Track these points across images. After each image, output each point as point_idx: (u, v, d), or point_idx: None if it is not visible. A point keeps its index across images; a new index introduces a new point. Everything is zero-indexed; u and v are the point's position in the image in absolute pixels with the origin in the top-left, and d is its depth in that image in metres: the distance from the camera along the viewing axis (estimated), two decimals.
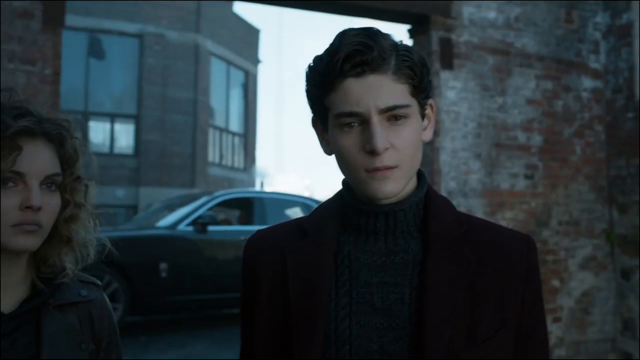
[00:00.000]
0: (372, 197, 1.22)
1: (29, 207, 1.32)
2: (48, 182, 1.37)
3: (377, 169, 1.18)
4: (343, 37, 1.20)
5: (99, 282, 1.58)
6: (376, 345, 1.19)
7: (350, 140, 1.20)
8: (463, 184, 5.95)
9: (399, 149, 1.19)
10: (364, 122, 1.18)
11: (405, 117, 1.19)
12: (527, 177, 6.32)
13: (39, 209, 1.33)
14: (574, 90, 6.65)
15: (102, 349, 1.49)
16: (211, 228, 8.73)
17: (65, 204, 1.43)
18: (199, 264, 8.44)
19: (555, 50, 6.56)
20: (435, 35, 5.91)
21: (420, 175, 1.32)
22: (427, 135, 1.29)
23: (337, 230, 1.29)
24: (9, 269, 1.39)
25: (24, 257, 1.42)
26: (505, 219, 6.09)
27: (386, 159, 1.18)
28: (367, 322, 1.21)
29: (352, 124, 1.20)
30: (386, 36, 1.21)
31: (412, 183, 1.29)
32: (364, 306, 1.22)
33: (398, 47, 1.21)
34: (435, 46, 5.87)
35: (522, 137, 6.31)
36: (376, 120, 1.17)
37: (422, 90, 1.23)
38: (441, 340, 1.16)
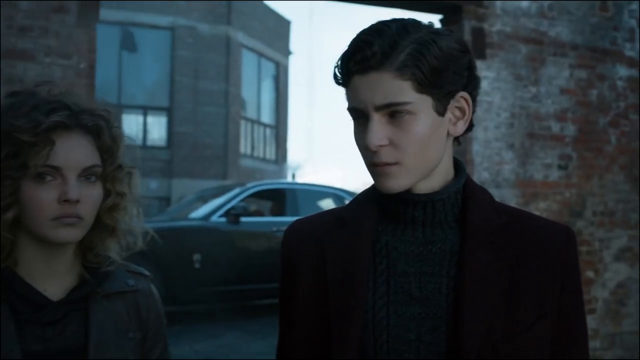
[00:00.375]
0: (380, 190, 1.25)
1: (66, 201, 1.33)
2: (87, 174, 1.38)
3: (376, 165, 1.21)
4: (359, 32, 1.22)
5: (147, 273, 1.60)
6: (414, 334, 1.20)
7: (359, 134, 1.23)
8: (496, 174, 5.91)
9: (399, 146, 1.19)
10: (367, 118, 1.21)
11: (409, 113, 1.18)
12: (561, 167, 6.26)
13: (77, 201, 1.34)
14: (609, 79, 6.55)
15: (149, 338, 1.51)
16: (244, 219, 8.78)
17: (107, 194, 1.43)
18: (231, 255, 8.49)
19: (589, 39, 6.47)
20: (468, 25, 5.86)
21: (459, 165, 1.32)
22: (457, 129, 1.26)
23: (375, 219, 1.30)
24: (55, 258, 1.41)
25: (71, 247, 1.43)
26: (539, 209, 6.03)
27: (384, 156, 1.20)
28: (404, 311, 1.21)
29: (360, 119, 1.22)
30: (409, 28, 1.19)
31: (450, 173, 1.29)
32: (402, 296, 1.22)
33: (418, 40, 1.18)
34: (467, 36, 5.82)
35: (555, 127, 6.24)
36: (374, 117, 1.19)
37: (437, 85, 1.19)
38: (478, 331, 1.16)
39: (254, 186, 9.59)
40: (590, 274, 6.32)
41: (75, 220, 1.35)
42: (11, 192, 1.33)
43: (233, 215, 8.66)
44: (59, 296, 1.41)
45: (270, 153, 21.25)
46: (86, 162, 1.37)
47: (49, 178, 1.34)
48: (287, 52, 22.19)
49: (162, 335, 1.56)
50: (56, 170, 1.34)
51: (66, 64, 4.69)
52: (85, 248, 1.47)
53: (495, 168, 5.92)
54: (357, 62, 1.19)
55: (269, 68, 21.16)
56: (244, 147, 19.35)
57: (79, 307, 1.42)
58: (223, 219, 8.63)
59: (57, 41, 4.66)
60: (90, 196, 1.37)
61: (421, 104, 1.19)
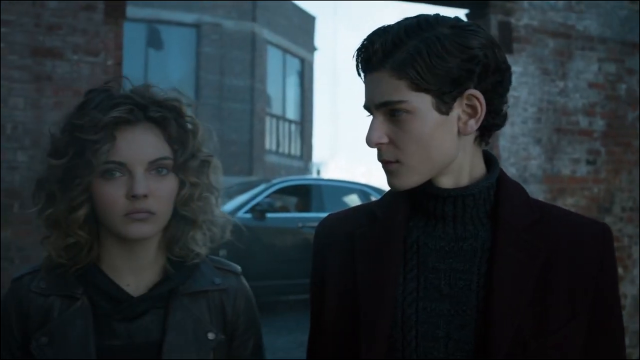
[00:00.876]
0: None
1: (134, 196, 1.32)
2: (156, 167, 1.37)
3: (381, 162, 1.24)
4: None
5: (237, 270, 1.55)
6: (442, 331, 1.19)
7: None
8: (523, 169, 5.86)
9: (398, 145, 1.20)
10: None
11: (406, 112, 1.18)
12: (589, 162, 6.19)
13: (146, 196, 1.33)
14: (638, 73, 6.46)
15: (237, 337, 1.48)
16: (269, 215, 8.80)
17: (182, 185, 1.41)
18: (257, 251, 8.52)
19: (618, 32, 6.39)
20: (494, 19, 5.82)
21: (491, 160, 1.30)
22: (469, 128, 1.22)
23: (406, 215, 1.29)
24: (137, 253, 1.42)
25: (152, 242, 1.43)
26: (566, 205, 5.97)
27: (384, 154, 1.22)
28: (434, 308, 1.21)
29: (370, 116, 1.25)
30: (422, 25, 1.18)
31: (478, 169, 1.27)
32: (431, 292, 1.22)
33: (425, 38, 1.16)
34: (494, 30, 5.77)
35: (583, 121, 6.18)
36: (376, 116, 1.21)
37: (435, 83, 1.16)
38: (508, 329, 1.15)
39: (279, 182, 9.62)
40: (619, 270, 6.25)
41: (145, 216, 1.34)
42: (82, 190, 1.34)
43: (259, 211, 8.69)
44: (141, 292, 1.41)
45: (296, 149, 21.27)
46: (152, 155, 1.36)
47: (117, 174, 1.34)
48: (312, 49, 22.17)
49: (254, 333, 1.53)
50: (122, 166, 1.34)
51: (94, 62, 4.73)
52: (169, 241, 1.46)
53: (522, 163, 5.87)
54: (362, 61, 1.22)
55: (294, 64, 21.17)
56: (269, 143, 19.38)
57: (160, 304, 1.41)
58: (249, 215, 8.66)
59: (85, 39, 4.71)
60: (160, 189, 1.36)
61: (419, 103, 1.18)
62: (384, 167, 1.24)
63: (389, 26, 1.21)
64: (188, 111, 1.46)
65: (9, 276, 4.69)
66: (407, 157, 1.20)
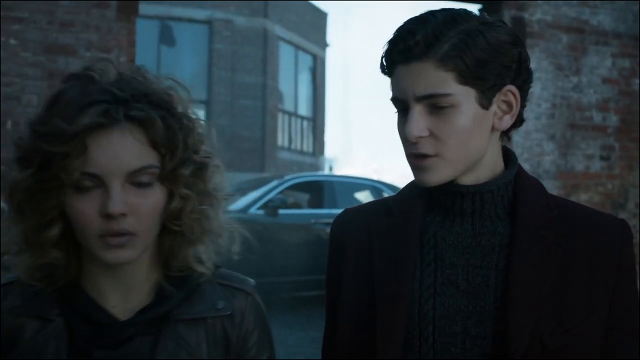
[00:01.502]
0: (418, 184, 1.24)
1: (109, 215, 1.10)
2: (137, 179, 1.13)
3: (413, 156, 1.20)
4: (405, 21, 1.21)
5: (249, 287, 1.31)
6: (460, 327, 1.19)
7: (400, 125, 1.22)
8: (536, 165, 5.84)
9: (440, 138, 1.17)
10: (408, 108, 1.19)
11: (450, 105, 1.16)
12: (602, 158, 6.15)
13: (124, 214, 1.10)
14: None
15: (249, 359, 1.26)
16: (282, 211, 8.81)
17: (171, 197, 1.18)
18: (270, 247, 8.52)
19: (632, 27, 6.34)
20: (508, 14, 5.79)
21: (510, 156, 1.30)
22: (503, 124, 1.23)
23: (423, 210, 1.29)
24: (123, 272, 1.20)
25: (141, 260, 1.20)
26: (580, 201, 5.93)
27: (423, 147, 1.18)
28: (451, 303, 1.20)
29: (403, 110, 1.21)
30: (457, 19, 1.17)
31: (498, 166, 1.27)
32: (449, 287, 1.21)
33: (465, 31, 1.16)
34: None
35: (597, 117, 6.14)
36: (415, 108, 1.17)
37: (481, 77, 1.16)
38: (526, 325, 1.14)
39: (291, 178, 9.61)
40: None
41: (123, 241, 1.12)
42: (52, 206, 1.13)
43: (271, 207, 8.69)
44: (129, 315, 1.19)
45: (308, 145, 21.27)
46: (132, 164, 1.12)
47: (90, 186, 1.11)
48: (324, 45, 22.16)
49: (266, 351, 1.30)
50: (96, 178, 1.11)
51: (106, 58, 4.74)
52: (166, 255, 1.23)
53: (536, 159, 5.85)
54: (400, 52, 1.17)
55: (306, 60, 21.16)
56: (282, 139, 19.40)
57: (149, 331, 1.18)
58: (261, 212, 8.66)
59: (98, 36, 4.73)
60: (143, 205, 1.13)
61: (463, 96, 1.16)
62: (415, 162, 1.20)
63: (424, 17, 1.18)
64: (183, 104, 1.22)
65: None
66: (447, 151, 1.18)
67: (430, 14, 1.19)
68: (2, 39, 4.64)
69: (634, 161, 6.29)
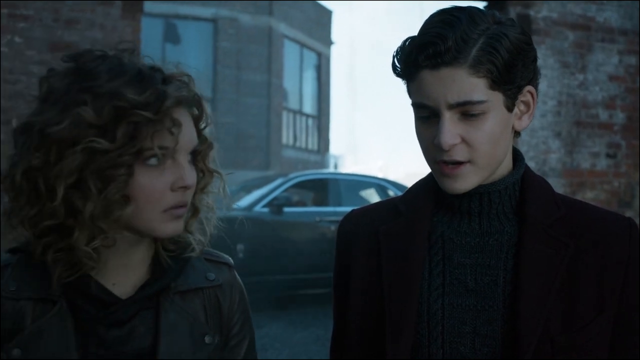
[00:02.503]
0: (445, 191, 1.22)
1: (182, 187, 1.14)
2: (191, 155, 1.19)
3: (444, 162, 1.17)
4: (425, 23, 1.17)
5: (230, 261, 1.37)
6: (469, 327, 1.18)
7: (424, 130, 1.20)
8: (542, 163, 5.82)
9: (472, 145, 1.16)
10: (436, 115, 1.16)
11: (482, 112, 1.14)
12: (609, 156, 6.13)
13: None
14: None
15: (232, 337, 1.32)
16: (287, 209, 8.81)
17: (200, 174, 1.23)
18: (275, 245, 8.53)
19: (639, 24, 6.31)
20: (513, 12, 5.77)
21: (517, 156, 1.29)
22: (523, 123, 1.23)
23: (430, 210, 1.28)
24: (132, 249, 1.21)
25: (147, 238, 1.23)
26: (586, 199, 5.92)
27: (455, 154, 1.16)
28: (460, 303, 1.20)
29: (428, 115, 1.18)
30: (476, 19, 1.14)
31: (508, 164, 1.26)
32: (457, 287, 1.21)
33: (488, 32, 1.14)
34: None
35: (603, 114, 6.12)
36: (446, 115, 1.14)
37: (509, 80, 1.15)
38: (536, 324, 1.14)
39: (296, 176, 9.62)
40: None
41: (184, 212, 1.18)
42: (124, 183, 1.11)
43: (276, 205, 8.70)
44: (128, 292, 1.21)
45: (313, 143, 21.27)
46: (194, 141, 1.19)
47: (153, 160, 1.12)
48: (328, 42, 22.14)
49: (248, 331, 1.36)
50: (166, 152, 1.13)
51: None
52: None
53: (542, 157, 5.83)
54: (429, 57, 1.13)
55: (310, 58, 21.16)
56: (286, 137, 19.40)
57: (150, 305, 1.21)
58: (266, 210, 8.67)
59: (103, 33, 4.73)
60: (195, 180, 1.20)
61: (494, 101, 1.15)
62: (446, 170, 1.17)
63: (449, 19, 1.14)
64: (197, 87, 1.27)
65: None
66: (479, 157, 1.17)
67: (452, 15, 1.15)
68: (8, 37, 4.64)
69: None
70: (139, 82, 1.12)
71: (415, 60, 1.15)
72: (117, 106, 1.08)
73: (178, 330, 1.21)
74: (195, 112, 1.21)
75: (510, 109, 1.18)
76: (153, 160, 1.12)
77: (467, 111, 1.14)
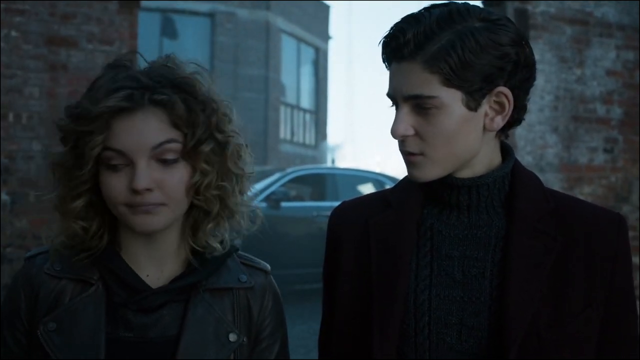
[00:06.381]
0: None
1: (135, 190, 1.21)
2: (162, 154, 1.23)
3: (402, 152, 1.22)
4: (399, 19, 1.21)
5: (266, 268, 1.44)
6: (456, 318, 1.20)
7: (393, 121, 1.23)
8: (539, 158, 5.82)
9: (424, 138, 1.19)
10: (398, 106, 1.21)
11: (435, 107, 1.16)
12: (606, 151, 6.13)
13: (149, 190, 1.21)
14: None
15: (263, 339, 1.37)
16: (284, 204, 8.82)
17: (193, 173, 1.27)
18: (272, 240, 8.52)
19: (637, 19, 6.31)
20: (511, 7, 5.76)
21: (507, 150, 1.30)
22: (495, 124, 1.22)
23: (420, 202, 1.29)
24: (154, 243, 1.32)
25: (171, 231, 1.32)
26: (583, 194, 5.93)
27: (408, 145, 1.21)
28: (447, 294, 1.21)
29: (395, 105, 1.23)
30: (454, 16, 1.16)
31: (496, 158, 1.27)
32: (445, 278, 1.22)
33: (457, 30, 1.15)
34: (510, 17, 5.73)
35: (601, 109, 6.12)
36: (402, 107, 1.19)
37: (466, 79, 1.15)
38: (523, 317, 1.14)
39: (294, 171, 9.63)
40: (636, 260, 6.20)
41: (151, 208, 1.23)
42: (82, 181, 1.25)
43: (274, 200, 8.70)
44: (161, 283, 1.31)
45: (310, 138, 21.27)
46: (154, 140, 1.22)
47: (119, 164, 1.23)
48: (326, 37, 22.12)
49: (281, 336, 1.41)
50: (122, 155, 1.22)
51: (108, 50, 4.73)
52: (194, 230, 1.34)
53: (539, 152, 5.83)
54: (392, 50, 1.19)
55: (308, 53, 21.15)
56: (284, 132, 19.40)
57: (180, 299, 1.30)
58: (264, 204, 8.67)
59: (100, 28, 4.71)
60: (168, 180, 1.23)
61: (449, 98, 1.17)
62: (406, 158, 1.23)
63: (419, 14, 1.18)
64: (207, 87, 1.33)
65: None
66: (431, 151, 1.19)
67: (427, 10, 1.18)
68: (4, 31, 4.63)
69: (638, 154, 6.27)
70: (86, 96, 1.27)
71: (385, 53, 1.21)
72: (58, 125, 1.28)
73: (203, 325, 1.29)
74: (176, 112, 1.25)
75: (472, 108, 1.19)
76: (114, 164, 1.23)
77: (420, 104, 1.17)
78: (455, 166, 1.22)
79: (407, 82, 1.17)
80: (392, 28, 1.19)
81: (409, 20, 1.17)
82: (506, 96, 1.20)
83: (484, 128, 1.22)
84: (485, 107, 1.20)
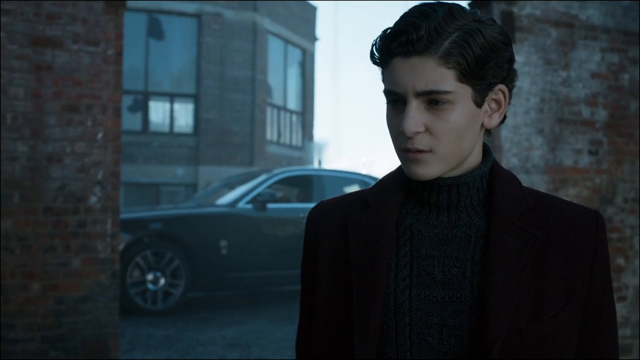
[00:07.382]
0: (409, 177, 1.24)
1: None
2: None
3: (408, 150, 1.21)
4: (403, 14, 1.20)
5: None
6: (436, 318, 1.20)
7: (393, 118, 1.23)
8: (525, 160, 5.85)
9: (435, 134, 1.19)
10: (405, 102, 1.19)
11: (448, 102, 1.17)
12: (591, 153, 6.17)
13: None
14: None
15: None
16: (270, 206, 8.82)
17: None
18: (258, 242, 8.54)
19: (621, 22, 6.36)
20: (497, 8, 5.79)
21: (486, 149, 1.31)
22: (492, 121, 1.25)
23: (399, 202, 1.29)
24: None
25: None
26: (568, 195, 5.96)
27: (417, 142, 1.19)
28: (427, 294, 1.21)
29: (396, 102, 1.21)
30: (454, 14, 1.17)
31: (477, 157, 1.28)
32: (425, 279, 1.22)
33: (464, 28, 1.17)
34: (496, 19, 5.75)
35: (586, 112, 6.16)
36: (413, 103, 1.18)
37: (479, 76, 1.18)
38: (505, 315, 1.15)
39: (280, 173, 9.62)
40: (620, 261, 6.25)
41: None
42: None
43: (260, 201, 8.70)
44: None
45: (297, 140, 21.27)
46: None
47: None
48: (313, 39, 22.14)
49: None
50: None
51: (94, 51, 4.71)
52: None
53: (525, 154, 5.86)
54: (401, 45, 1.17)
55: (295, 54, 21.16)
56: (270, 133, 19.39)
57: None
58: (250, 206, 8.67)
59: (85, 28, 4.69)
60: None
61: (461, 94, 1.18)
62: (409, 155, 1.21)
63: (425, 10, 1.18)
64: None
65: (9, 266, 4.72)
66: (441, 147, 1.19)
67: (430, 7, 1.18)
68: None
69: (622, 156, 6.31)
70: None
71: (389, 47, 1.19)
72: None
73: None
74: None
75: (479, 104, 1.21)
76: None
77: (433, 100, 1.17)
78: (456, 164, 1.23)
79: (420, 78, 1.16)
80: (398, 24, 1.18)
81: (418, 16, 1.17)
82: (504, 94, 1.24)
83: (482, 125, 1.24)
84: (486, 104, 1.23)
